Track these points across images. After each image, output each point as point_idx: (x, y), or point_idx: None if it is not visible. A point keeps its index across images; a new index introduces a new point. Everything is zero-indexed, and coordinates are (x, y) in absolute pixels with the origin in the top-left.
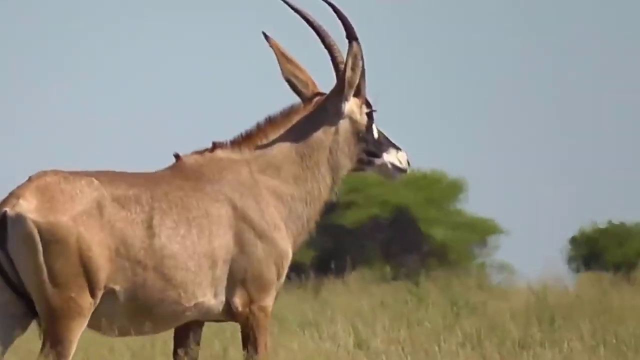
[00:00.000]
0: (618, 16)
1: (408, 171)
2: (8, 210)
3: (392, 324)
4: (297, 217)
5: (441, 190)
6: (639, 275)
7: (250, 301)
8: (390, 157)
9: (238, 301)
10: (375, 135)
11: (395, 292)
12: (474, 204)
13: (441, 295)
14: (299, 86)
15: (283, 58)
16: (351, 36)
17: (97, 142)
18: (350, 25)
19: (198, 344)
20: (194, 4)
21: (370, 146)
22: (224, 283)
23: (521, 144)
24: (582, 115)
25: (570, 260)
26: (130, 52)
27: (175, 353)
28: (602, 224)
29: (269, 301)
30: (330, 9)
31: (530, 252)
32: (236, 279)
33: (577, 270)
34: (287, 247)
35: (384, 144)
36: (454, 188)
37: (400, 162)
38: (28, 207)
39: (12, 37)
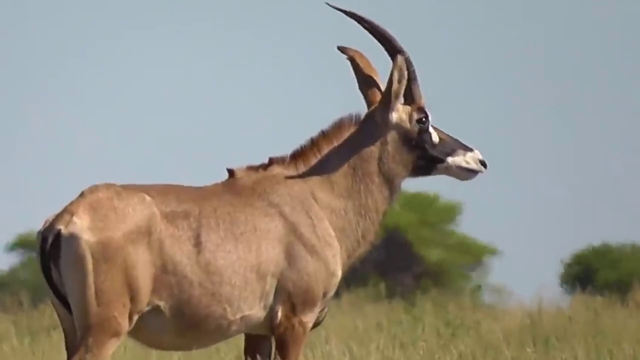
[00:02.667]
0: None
1: (484, 171)
2: (62, 228)
3: (387, 344)
4: (352, 231)
5: (436, 211)
6: (632, 297)
7: (292, 315)
8: (457, 160)
9: (280, 313)
10: (435, 139)
11: (390, 312)
12: (468, 226)
13: (436, 315)
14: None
15: (369, 68)
16: (395, 50)
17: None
18: (393, 38)
19: (269, 356)
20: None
21: (430, 152)
22: (272, 296)
23: (515, 166)
24: (575, 138)
25: (564, 281)
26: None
27: None
28: (596, 246)
29: (310, 317)
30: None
31: (525, 273)
32: (283, 292)
33: (571, 292)
34: (335, 266)
35: (450, 147)
36: (449, 210)
37: (468, 163)
38: (81, 225)
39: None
